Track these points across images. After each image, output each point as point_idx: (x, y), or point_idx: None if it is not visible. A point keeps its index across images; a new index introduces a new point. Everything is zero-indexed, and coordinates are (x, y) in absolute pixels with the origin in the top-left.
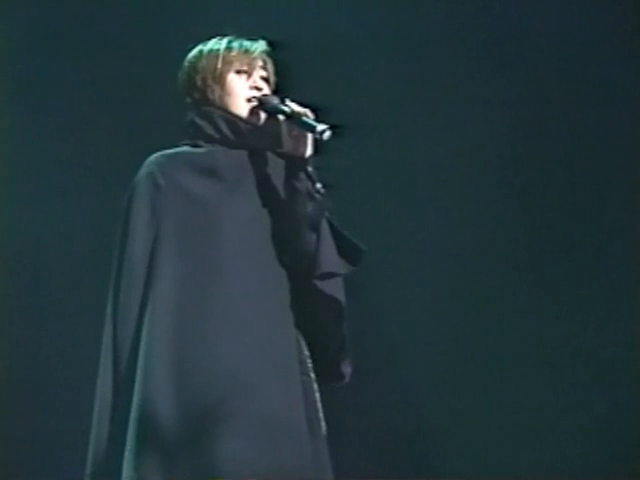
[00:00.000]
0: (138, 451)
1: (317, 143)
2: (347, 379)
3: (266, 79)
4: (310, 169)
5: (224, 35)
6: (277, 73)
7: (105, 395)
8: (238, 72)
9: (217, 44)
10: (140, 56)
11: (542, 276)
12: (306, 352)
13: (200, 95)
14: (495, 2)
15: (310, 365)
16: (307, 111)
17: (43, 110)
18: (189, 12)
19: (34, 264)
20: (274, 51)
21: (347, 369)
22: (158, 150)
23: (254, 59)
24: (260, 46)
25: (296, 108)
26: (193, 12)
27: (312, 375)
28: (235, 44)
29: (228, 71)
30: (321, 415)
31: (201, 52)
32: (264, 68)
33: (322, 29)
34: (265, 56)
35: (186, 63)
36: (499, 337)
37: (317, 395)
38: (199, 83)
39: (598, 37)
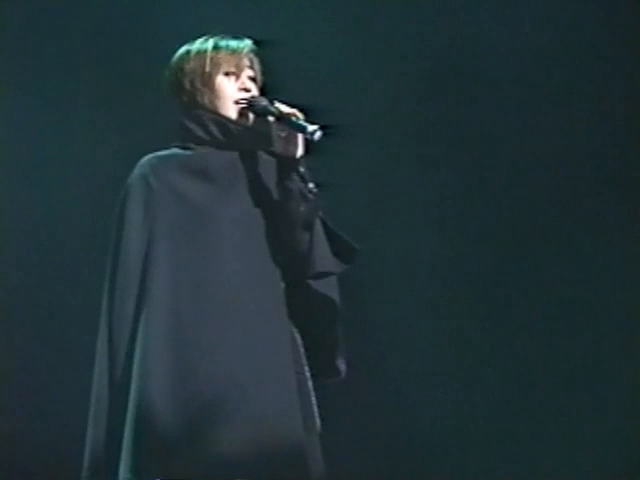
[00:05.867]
0: (134, 452)
1: (308, 143)
2: (343, 375)
3: (253, 79)
4: (302, 169)
5: (210, 34)
6: (264, 72)
7: (101, 396)
8: (226, 74)
9: (204, 45)
10: (130, 56)
11: (538, 276)
12: (301, 349)
13: (189, 98)
14: (488, 7)
15: (305, 362)
16: (296, 112)
17: (36, 111)
18: (176, 11)
19: (29, 266)
20: (261, 50)
21: (342, 365)
22: (151, 151)
23: (242, 59)
24: (247, 45)
25: (285, 109)
26: (180, 11)
27: (307, 372)
28: (222, 44)
29: (216, 73)
30: (316, 412)
31: (188, 53)
32: (251, 68)
33: (310, 28)
34: (252, 55)
35: (173, 64)
36: (494, 336)
37: (312, 392)
38: (187, 86)
39: (596, 42)
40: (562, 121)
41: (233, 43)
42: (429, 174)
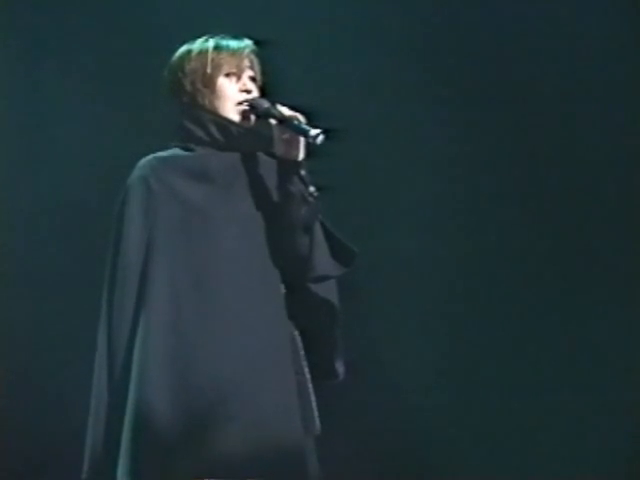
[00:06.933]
0: (133, 454)
1: (310, 146)
2: (342, 376)
3: (253, 79)
4: (303, 172)
5: (211, 34)
6: (264, 73)
7: (100, 397)
8: (227, 75)
9: (204, 45)
10: (130, 56)
11: (537, 276)
12: (301, 351)
13: (189, 99)
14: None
15: (305, 364)
16: (298, 115)
17: (34, 112)
18: (176, 10)
19: (29, 266)
20: (261, 50)
21: (341, 367)
22: (151, 151)
23: (242, 60)
24: (247, 46)
25: (287, 112)
26: (180, 10)
27: (307, 374)
28: (223, 44)
29: (217, 75)
30: (315, 414)
31: (189, 53)
32: (251, 68)
33: (311, 29)
34: (252, 55)
35: (173, 64)
36: (494, 337)
37: (312, 393)
38: (188, 87)
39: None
40: (569, 131)
41: (234, 43)
42: (430, 178)
